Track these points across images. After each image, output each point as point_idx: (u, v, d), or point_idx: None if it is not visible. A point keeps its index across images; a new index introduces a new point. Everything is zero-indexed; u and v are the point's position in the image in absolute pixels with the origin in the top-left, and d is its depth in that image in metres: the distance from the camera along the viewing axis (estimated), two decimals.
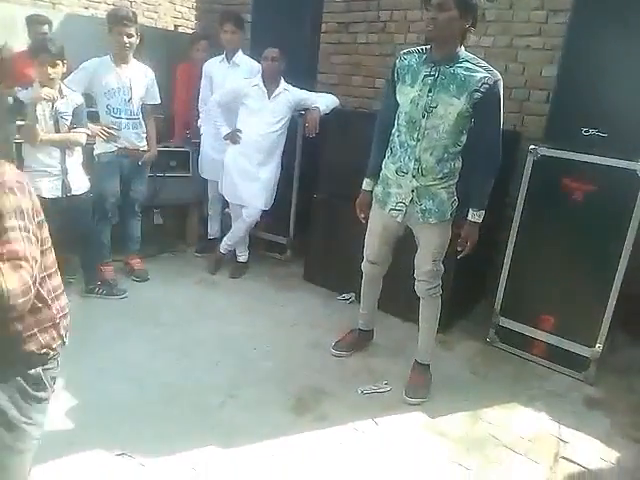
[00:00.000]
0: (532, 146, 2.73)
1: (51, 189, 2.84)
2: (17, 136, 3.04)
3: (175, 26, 5.98)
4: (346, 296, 3.43)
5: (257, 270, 3.73)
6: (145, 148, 3.33)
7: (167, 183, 3.76)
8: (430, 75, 2.08)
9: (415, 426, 2.26)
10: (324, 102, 3.46)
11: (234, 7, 4.53)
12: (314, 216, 3.55)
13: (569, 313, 2.70)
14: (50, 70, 2.70)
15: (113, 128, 3.14)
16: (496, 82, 2.05)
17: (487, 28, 3.55)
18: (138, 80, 3.23)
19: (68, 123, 2.87)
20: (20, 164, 3.00)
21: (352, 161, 3.30)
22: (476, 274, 3.34)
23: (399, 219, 2.29)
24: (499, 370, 2.75)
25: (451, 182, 2.23)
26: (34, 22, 3.61)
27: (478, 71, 2.04)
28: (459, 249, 2.30)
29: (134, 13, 3.18)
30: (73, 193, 2.93)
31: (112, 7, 5.36)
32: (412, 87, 2.13)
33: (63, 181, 2.88)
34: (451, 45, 2.05)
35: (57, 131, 2.83)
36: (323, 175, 3.54)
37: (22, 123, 2.75)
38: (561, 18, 3.22)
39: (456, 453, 2.12)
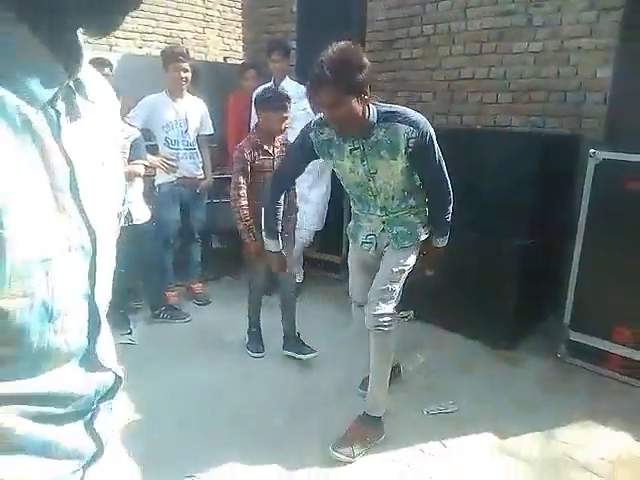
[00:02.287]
0: (592, 150, 2.63)
1: None
2: None
3: (224, 58, 6.22)
4: (404, 313, 3.38)
5: (313, 290, 3.75)
6: (202, 176, 3.47)
7: (224, 208, 3.87)
8: (355, 149, 1.99)
9: (485, 447, 2.18)
10: None
11: (279, 35, 4.67)
12: None
13: None
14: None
15: (172, 159, 3.29)
16: (421, 126, 1.93)
17: (535, 34, 3.48)
18: (193, 113, 3.38)
19: (127, 156, 3.03)
20: None
21: None
22: (543, 287, 3.22)
23: (371, 252, 2.21)
24: (572, 387, 2.62)
25: (420, 209, 2.18)
26: (98, 64, 3.84)
27: (399, 128, 1.92)
28: (428, 271, 2.34)
29: (187, 50, 3.35)
30: (135, 222, 3.07)
31: (165, 45, 5.65)
32: (342, 161, 2.04)
33: (125, 210, 3.04)
34: (362, 122, 1.91)
35: None
36: None
37: None
38: (613, 17, 3.11)
39: (530, 475, 2.03)
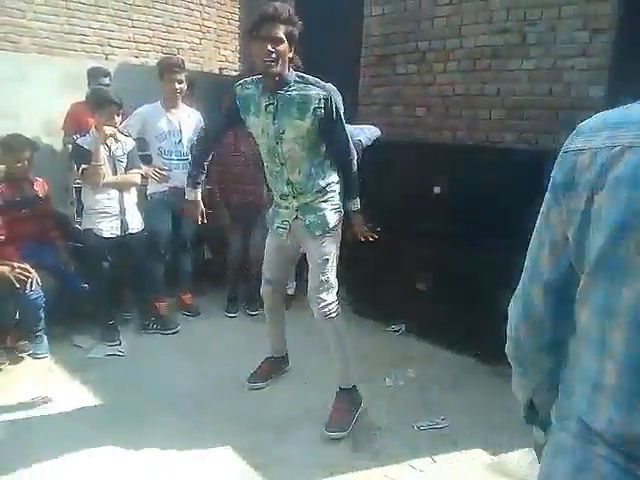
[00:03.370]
0: None
1: (111, 229, 2.99)
2: (78, 181, 3.22)
3: (220, 69, 6.23)
4: (395, 327, 3.38)
5: (305, 302, 3.72)
6: None
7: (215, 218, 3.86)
8: (270, 104, 2.15)
9: (476, 463, 2.16)
10: (366, 135, 3.49)
11: None
12: (358, 248, 3.54)
13: None
14: (116, 118, 2.94)
15: (164, 169, 3.28)
16: (330, 94, 2.14)
17: (529, 52, 3.52)
18: (187, 123, 3.38)
19: (124, 166, 3.03)
20: (79, 209, 3.18)
21: (395, 191, 3.32)
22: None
23: (284, 236, 2.37)
24: None
25: (331, 195, 2.29)
26: (96, 74, 3.83)
27: (311, 89, 2.13)
28: (360, 237, 2.47)
29: (182, 60, 3.36)
30: (130, 231, 3.06)
31: (161, 55, 5.66)
32: (257, 117, 2.20)
33: (122, 220, 3.02)
34: (284, 71, 2.12)
35: (114, 174, 2.99)
36: (366, 206, 3.54)
37: (86, 167, 2.90)
38: (605, 38, 3.15)
39: None
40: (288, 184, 2.25)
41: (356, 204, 2.41)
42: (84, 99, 3.38)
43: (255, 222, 3.57)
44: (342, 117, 2.22)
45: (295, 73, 2.16)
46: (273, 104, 2.14)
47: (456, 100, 3.91)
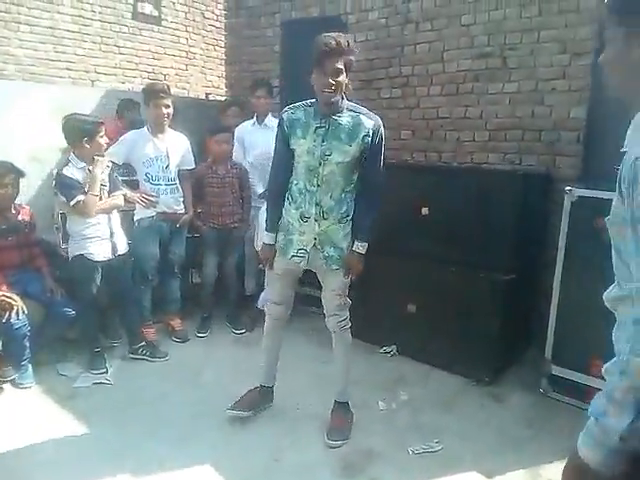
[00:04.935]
0: (568, 187, 2.70)
1: (103, 252, 2.96)
2: (59, 210, 3.18)
3: (206, 94, 6.29)
4: (387, 349, 3.36)
5: (296, 325, 3.67)
6: (182, 211, 3.44)
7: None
8: (321, 127, 2.24)
9: None
10: None
11: (262, 73, 4.76)
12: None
13: None
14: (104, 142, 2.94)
15: (152, 195, 3.26)
16: (379, 127, 2.27)
17: (510, 75, 3.61)
18: (174, 148, 3.38)
19: (107, 189, 3.01)
20: (65, 235, 3.14)
21: (386, 213, 3.33)
22: (524, 322, 3.24)
23: (302, 264, 2.38)
24: (556, 422, 2.60)
25: (348, 227, 2.36)
26: (128, 106, 3.95)
27: (362, 118, 2.25)
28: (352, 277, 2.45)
29: (168, 86, 3.38)
30: (119, 253, 3.04)
31: (147, 81, 5.70)
32: (305, 139, 2.27)
33: (112, 243, 3.00)
34: (339, 100, 2.22)
35: (101, 199, 2.97)
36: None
37: (81, 199, 2.84)
38: (584, 60, 3.25)
39: None
40: (317, 205, 2.28)
41: (362, 247, 2.36)
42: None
43: (231, 243, 3.62)
44: (383, 154, 2.31)
45: (348, 102, 2.27)
46: (324, 127, 2.24)
47: (440, 123, 3.98)
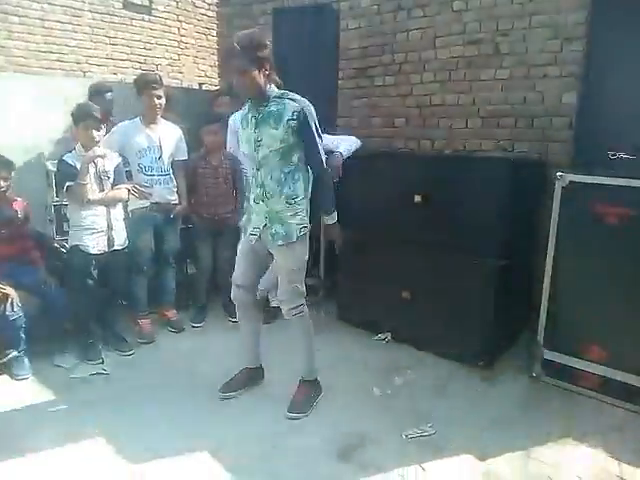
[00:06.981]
0: (559, 173, 2.71)
1: (98, 245, 2.96)
2: (57, 199, 3.18)
3: (199, 84, 6.24)
4: (382, 336, 3.39)
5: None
6: (176, 202, 3.44)
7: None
8: (254, 116, 2.42)
9: (464, 470, 2.17)
10: (346, 146, 3.52)
11: None
12: (342, 256, 3.56)
13: (619, 342, 2.60)
14: (95, 133, 2.90)
15: (144, 186, 3.25)
16: (302, 107, 2.37)
17: (502, 62, 3.60)
18: (167, 138, 3.37)
19: (111, 182, 3.01)
20: (59, 226, 3.14)
21: (377, 198, 3.35)
22: (517, 306, 3.27)
23: (253, 242, 2.53)
24: (548, 406, 2.64)
25: (298, 207, 2.46)
26: (100, 90, 3.78)
27: (288, 103, 2.37)
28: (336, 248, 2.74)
29: (160, 76, 3.36)
30: (116, 247, 3.03)
31: (139, 71, 5.66)
32: (244, 129, 2.49)
33: (108, 236, 3.00)
34: (261, 92, 2.37)
35: (101, 190, 2.97)
36: (348, 214, 3.56)
37: (71, 184, 2.87)
38: (576, 46, 3.25)
39: None
40: (260, 187, 2.45)
41: (333, 217, 2.57)
42: None
43: (224, 234, 3.61)
44: (314, 127, 2.42)
45: (275, 90, 2.41)
46: (256, 117, 2.42)
47: (433, 110, 3.98)
